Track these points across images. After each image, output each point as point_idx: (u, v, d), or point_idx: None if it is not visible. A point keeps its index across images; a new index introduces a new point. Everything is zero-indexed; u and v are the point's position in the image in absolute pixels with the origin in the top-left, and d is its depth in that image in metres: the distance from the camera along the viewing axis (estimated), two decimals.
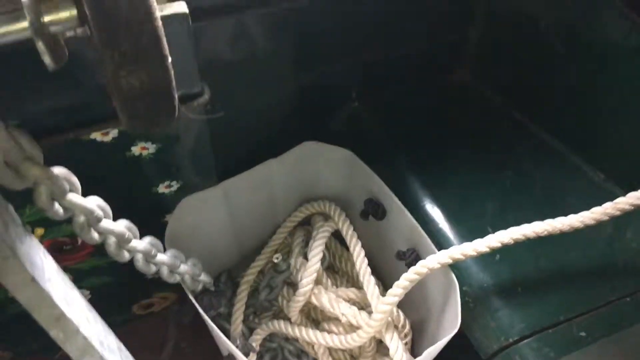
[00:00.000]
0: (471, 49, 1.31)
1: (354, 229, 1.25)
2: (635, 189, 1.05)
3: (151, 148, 1.00)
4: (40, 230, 1.04)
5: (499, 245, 1.02)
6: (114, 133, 0.93)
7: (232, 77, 1.11)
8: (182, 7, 0.81)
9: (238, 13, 1.01)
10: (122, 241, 0.82)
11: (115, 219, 0.83)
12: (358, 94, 1.31)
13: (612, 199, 1.03)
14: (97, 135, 0.92)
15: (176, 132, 1.01)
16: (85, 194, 0.76)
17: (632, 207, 1.05)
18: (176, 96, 0.57)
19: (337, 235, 1.30)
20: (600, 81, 1.15)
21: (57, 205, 0.69)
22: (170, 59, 0.54)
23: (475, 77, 1.34)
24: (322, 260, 1.26)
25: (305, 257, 1.26)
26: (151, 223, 1.14)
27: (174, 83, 0.55)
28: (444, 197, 1.18)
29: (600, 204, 1.03)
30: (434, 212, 1.17)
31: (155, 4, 0.51)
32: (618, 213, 1.04)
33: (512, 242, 1.03)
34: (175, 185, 1.12)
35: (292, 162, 1.25)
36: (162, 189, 1.11)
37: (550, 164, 1.24)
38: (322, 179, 1.31)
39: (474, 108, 1.33)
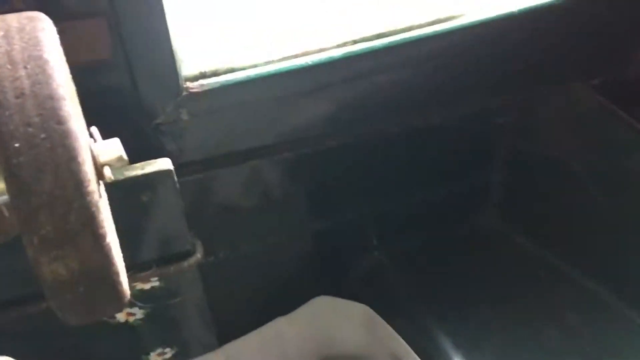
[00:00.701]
0: (496, 191, 1.21)
1: None
2: None
3: (138, 313, 0.89)
4: None
5: None
6: None
7: (237, 224, 1.03)
8: (166, 164, 0.75)
9: (250, 160, 0.95)
10: None
11: None
12: (378, 241, 1.20)
13: None
14: None
15: (166, 292, 0.90)
16: None
17: None
18: (123, 280, 0.47)
19: None
20: None
21: None
22: (108, 239, 0.44)
23: (502, 220, 1.23)
24: None
25: None
26: None
27: (116, 266, 0.45)
28: None
29: None
30: None
31: (89, 174, 0.42)
32: None
33: None
34: (169, 352, 0.99)
35: (304, 319, 1.12)
36: (154, 357, 0.98)
37: (597, 315, 1.08)
38: (340, 337, 1.16)
39: (504, 254, 1.20)
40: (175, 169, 0.81)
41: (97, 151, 0.52)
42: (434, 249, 1.19)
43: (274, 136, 0.92)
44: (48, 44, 0.44)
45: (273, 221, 1.07)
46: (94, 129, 0.57)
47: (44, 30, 0.45)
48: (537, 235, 1.17)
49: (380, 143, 1.05)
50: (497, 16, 0.89)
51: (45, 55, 0.43)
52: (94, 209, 0.42)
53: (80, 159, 0.42)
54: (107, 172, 0.52)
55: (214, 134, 0.86)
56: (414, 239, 1.20)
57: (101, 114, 0.74)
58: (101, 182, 0.54)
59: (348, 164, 1.05)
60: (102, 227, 0.43)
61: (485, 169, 1.18)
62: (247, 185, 1.00)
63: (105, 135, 0.59)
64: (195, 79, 0.77)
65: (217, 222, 0.99)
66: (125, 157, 0.53)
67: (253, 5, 0.86)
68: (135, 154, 0.80)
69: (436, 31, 0.85)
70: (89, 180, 0.42)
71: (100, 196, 0.52)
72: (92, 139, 0.54)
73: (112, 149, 0.52)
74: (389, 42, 0.84)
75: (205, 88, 0.78)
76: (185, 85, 0.77)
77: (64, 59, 0.49)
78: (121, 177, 0.73)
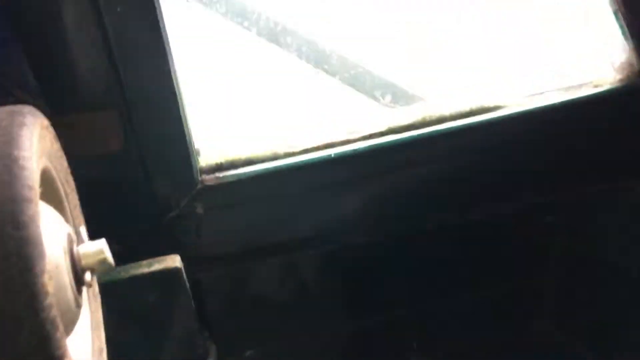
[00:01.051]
0: (548, 293, 1.10)
1: None
2: None
3: None
4: None
5: None
6: None
7: (263, 322, 0.96)
8: (174, 262, 0.70)
9: (273, 256, 0.90)
10: None
11: None
12: (418, 344, 1.10)
13: None
14: None
15: None
16: None
17: None
18: None
19: None
20: None
21: None
22: None
23: (556, 325, 1.11)
24: None
25: None
26: None
27: None
28: None
29: None
30: None
31: (47, 287, 0.37)
32: None
33: None
34: None
35: None
36: None
37: None
38: None
39: None
40: (193, 264, 0.76)
41: (79, 255, 0.48)
42: (480, 356, 1.08)
43: (296, 232, 0.86)
44: (22, 140, 0.41)
45: (303, 319, 1.00)
46: (82, 229, 0.53)
47: (22, 126, 0.42)
48: (600, 347, 1.05)
49: (416, 240, 0.98)
50: (538, 107, 0.83)
51: (15, 153, 0.40)
52: (49, 327, 0.37)
53: (37, 270, 0.37)
54: (88, 277, 0.48)
55: (231, 228, 0.81)
56: (457, 344, 1.09)
57: (113, 207, 0.71)
58: (85, 287, 0.50)
59: (381, 261, 0.99)
60: (59, 349, 0.37)
61: (536, 270, 1.09)
62: (272, 280, 0.94)
63: (116, 229, 0.55)
64: (211, 171, 0.74)
65: (241, 319, 0.94)
66: (110, 259, 0.48)
67: (276, 94, 0.83)
68: (149, 249, 0.77)
69: (470, 123, 0.80)
70: (46, 294, 0.37)
71: (78, 305, 0.48)
72: (76, 241, 0.50)
73: (96, 251, 0.48)
74: (419, 134, 0.79)
75: (222, 181, 0.74)
76: (200, 178, 0.73)
77: (42, 156, 0.45)
78: (126, 276, 0.68)
